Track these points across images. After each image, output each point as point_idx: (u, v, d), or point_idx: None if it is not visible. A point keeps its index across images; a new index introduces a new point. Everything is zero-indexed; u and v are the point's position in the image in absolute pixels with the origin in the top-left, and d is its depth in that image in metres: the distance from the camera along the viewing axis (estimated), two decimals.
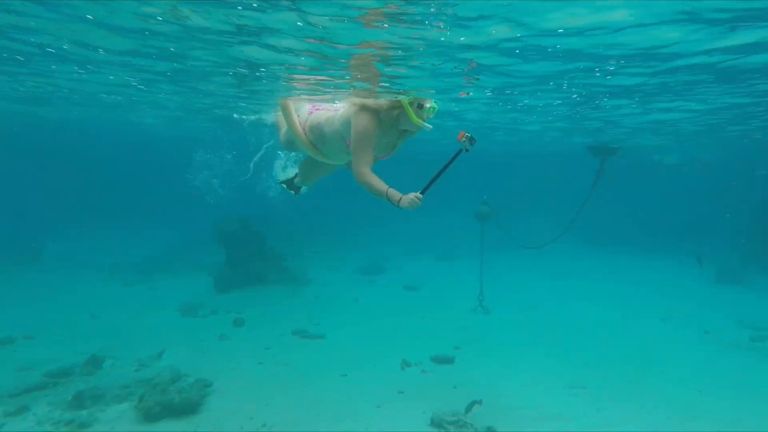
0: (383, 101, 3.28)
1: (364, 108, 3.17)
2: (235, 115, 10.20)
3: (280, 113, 4.10)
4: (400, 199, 2.92)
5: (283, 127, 4.17)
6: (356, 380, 5.74)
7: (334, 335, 7.44)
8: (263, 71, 5.27)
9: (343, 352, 6.74)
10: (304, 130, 3.69)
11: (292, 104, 3.82)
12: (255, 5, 3.31)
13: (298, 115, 3.80)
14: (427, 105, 3.20)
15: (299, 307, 8.98)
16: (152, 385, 4.87)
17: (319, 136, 3.60)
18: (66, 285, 10.21)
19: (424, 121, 3.18)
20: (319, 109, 3.74)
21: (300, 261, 12.15)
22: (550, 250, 9.70)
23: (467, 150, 2.90)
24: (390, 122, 3.26)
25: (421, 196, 2.90)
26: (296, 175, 4.38)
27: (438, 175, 2.89)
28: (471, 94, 6.94)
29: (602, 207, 16.75)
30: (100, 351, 6.12)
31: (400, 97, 3.28)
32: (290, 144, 4.09)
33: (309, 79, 5.47)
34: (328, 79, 5.28)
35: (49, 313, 8.12)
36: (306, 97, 6.14)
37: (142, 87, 7.54)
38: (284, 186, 4.48)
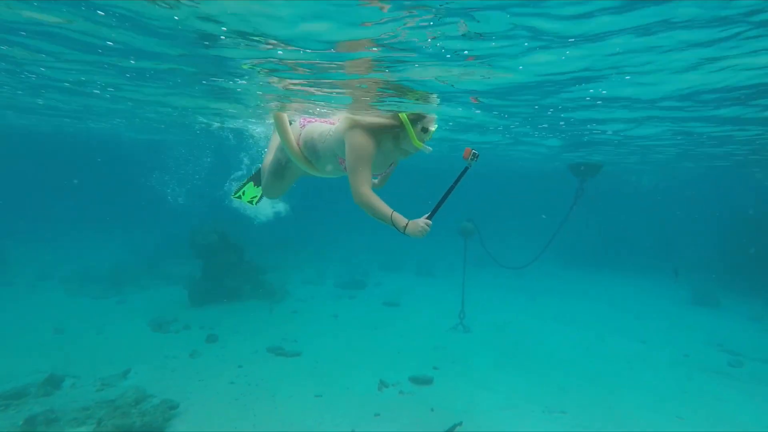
0: (380, 119, 3.02)
1: (358, 125, 2.91)
2: (205, 123, 10.04)
3: (274, 134, 3.80)
4: (407, 225, 2.66)
5: (271, 153, 3.90)
6: (331, 401, 5.55)
7: (311, 352, 7.23)
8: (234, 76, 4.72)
9: (319, 370, 6.54)
10: (298, 143, 3.43)
11: (286, 117, 3.55)
12: None
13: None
14: (432, 128, 2.97)
15: (276, 323, 8.73)
16: (114, 407, 4.61)
17: (311, 151, 3.36)
18: (29, 296, 9.69)
19: (424, 143, 2.95)
20: (312, 121, 3.52)
21: (278, 274, 11.91)
22: (528, 269, 9.74)
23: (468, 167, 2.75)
24: (388, 140, 3.00)
25: (430, 222, 2.67)
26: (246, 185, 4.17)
27: (446, 196, 2.68)
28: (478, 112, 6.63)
29: (580, 226, 17.13)
30: (60, 369, 5.76)
31: (401, 114, 2.99)
32: (276, 174, 3.72)
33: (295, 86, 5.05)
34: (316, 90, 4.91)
35: (8, 327, 7.66)
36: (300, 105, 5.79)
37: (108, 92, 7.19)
38: (240, 198, 4.22)
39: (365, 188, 2.79)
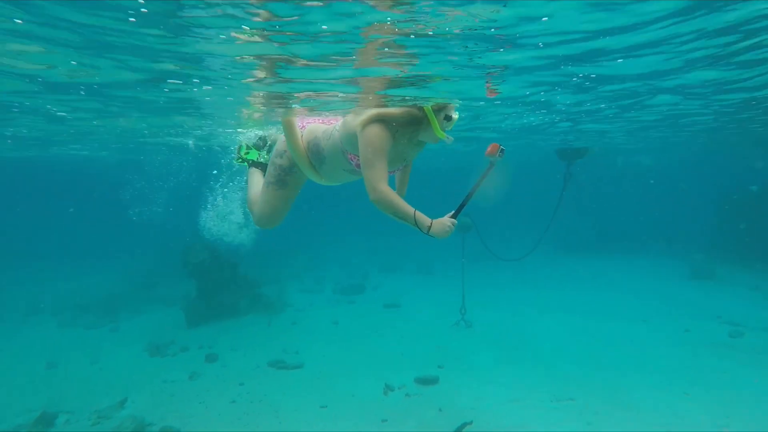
0: (397, 109, 2.75)
1: (376, 117, 2.64)
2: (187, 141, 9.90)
3: (280, 147, 3.37)
4: (431, 224, 2.48)
5: (256, 175, 3.66)
6: (336, 411, 5.43)
7: (313, 363, 7.10)
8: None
9: (322, 381, 6.41)
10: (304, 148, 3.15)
11: (295, 121, 3.24)
12: None
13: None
14: (455, 116, 2.75)
15: (276, 336, 8.58)
16: None
17: (315, 153, 3.07)
18: (19, 332, 9.44)
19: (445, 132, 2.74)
20: (310, 122, 3.28)
21: (276, 286, 11.75)
22: (526, 259, 9.69)
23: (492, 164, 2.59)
24: (405, 133, 2.76)
25: (455, 221, 2.52)
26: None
27: (471, 194, 2.55)
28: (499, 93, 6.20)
29: (573, 211, 17.16)
30: (53, 405, 5.58)
31: (424, 104, 2.76)
32: (278, 183, 3.33)
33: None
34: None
35: None
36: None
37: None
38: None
39: (383, 184, 2.52)
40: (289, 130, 3.12)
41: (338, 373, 6.67)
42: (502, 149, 2.55)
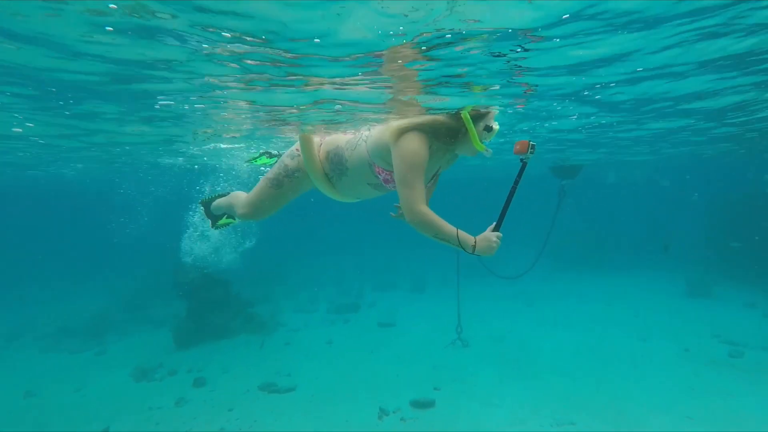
0: (431, 117, 2.54)
1: (412, 128, 2.42)
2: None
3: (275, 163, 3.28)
4: (476, 243, 2.31)
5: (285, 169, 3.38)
6: None
7: (306, 386, 6.87)
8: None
9: (315, 405, 6.18)
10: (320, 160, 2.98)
11: (314, 138, 3.06)
12: None
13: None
14: (496, 126, 2.55)
15: (268, 357, 8.34)
16: None
17: (336, 164, 2.86)
18: None
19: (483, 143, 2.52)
20: (330, 134, 3.16)
21: (269, 305, 11.53)
22: (523, 275, 9.58)
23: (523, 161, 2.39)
24: (442, 145, 2.54)
25: (500, 234, 2.34)
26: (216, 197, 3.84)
27: (508, 202, 2.37)
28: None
29: (570, 227, 17.15)
30: None
31: (462, 112, 2.55)
32: (275, 181, 3.17)
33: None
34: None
35: None
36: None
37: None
38: (203, 210, 3.95)
39: (422, 205, 2.34)
40: (306, 143, 2.95)
41: (332, 396, 6.45)
42: (533, 145, 2.35)
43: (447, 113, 2.62)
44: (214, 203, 3.85)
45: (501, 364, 7.52)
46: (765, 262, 11.70)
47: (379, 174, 2.67)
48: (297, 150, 3.13)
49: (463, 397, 6.21)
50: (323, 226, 27.38)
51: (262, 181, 3.22)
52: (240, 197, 3.50)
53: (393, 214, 2.88)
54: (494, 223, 2.40)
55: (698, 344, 8.17)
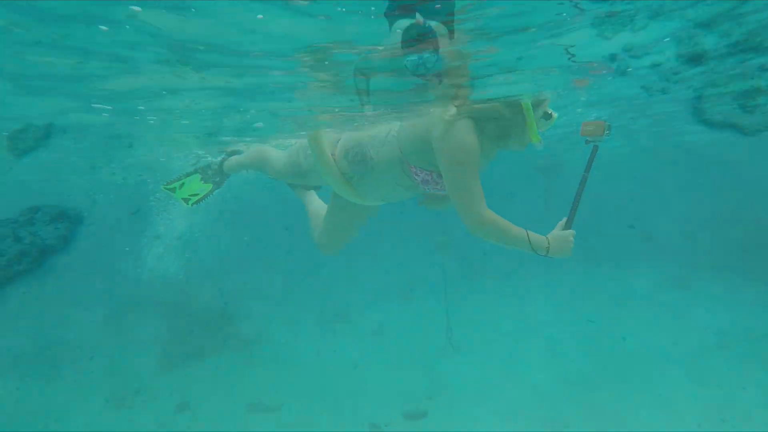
0: (485, 105, 2.22)
1: (463, 117, 2.03)
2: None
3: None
4: (549, 244, 2.04)
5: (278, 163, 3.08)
6: None
7: (293, 403, 6.62)
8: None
9: (303, 423, 5.95)
10: (333, 157, 2.60)
11: (324, 135, 2.69)
12: None
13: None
14: (554, 114, 2.24)
15: (255, 375, 8.03)
16: None
17: (358, 163, 2.44)
18: None
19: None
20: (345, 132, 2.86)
21: (255, 320, 11.19)
22: (512, 274, 9.50)
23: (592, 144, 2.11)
24: (492, 138, 2.19)
25: (574, 231, 2.06)
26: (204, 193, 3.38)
27: (579, 194, 2.07)
28: None
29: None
30: None
31: (523, 101, 2.17)
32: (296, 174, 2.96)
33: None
34: None
35: None
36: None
37: None
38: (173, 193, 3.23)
39: (485, 209, 2.00)
40: (315, 143, 2.56)
41: (320, 412, 6.22)
42: (609, 125, 2.06)
43: (503, 102, 2.23)
44: (229, 163, 3.34)
45: (492, 367, 7.38)
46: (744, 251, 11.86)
47: (416, 175, 2.27)
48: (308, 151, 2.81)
49: (455, 406, 6.06)
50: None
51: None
52: (270, 153, 3.13)
53: (421, 202, 2.56)
54: (565, 219, 2.12)
55: (686, 337, 8.15)
